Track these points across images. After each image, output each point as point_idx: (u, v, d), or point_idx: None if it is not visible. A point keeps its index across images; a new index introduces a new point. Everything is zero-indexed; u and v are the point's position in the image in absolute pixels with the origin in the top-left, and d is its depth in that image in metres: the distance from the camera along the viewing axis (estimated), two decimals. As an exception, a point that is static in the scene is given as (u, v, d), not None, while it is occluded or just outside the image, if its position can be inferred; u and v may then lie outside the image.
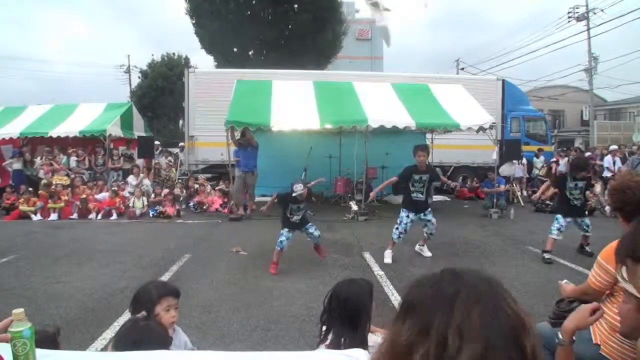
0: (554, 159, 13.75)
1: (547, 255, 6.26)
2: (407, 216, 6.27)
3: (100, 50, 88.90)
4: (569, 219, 6.33)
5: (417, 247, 6.60)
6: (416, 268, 5.86)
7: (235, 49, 21.82)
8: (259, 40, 20.65)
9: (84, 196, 10.44)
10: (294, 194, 5.61)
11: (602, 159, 13.64)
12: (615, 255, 1.48)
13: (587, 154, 14.72)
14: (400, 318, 0.75)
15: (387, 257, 6.21)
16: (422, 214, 6.28)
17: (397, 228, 6.31)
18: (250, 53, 22.41)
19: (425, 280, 0.78)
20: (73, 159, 12.60)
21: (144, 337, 1.64)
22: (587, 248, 6.49)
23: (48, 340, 1.82)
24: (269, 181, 11.94)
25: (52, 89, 54.41)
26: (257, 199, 11.71)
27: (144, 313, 1.90)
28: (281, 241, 5.77)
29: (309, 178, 10.39)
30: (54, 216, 9.98)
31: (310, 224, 5.99)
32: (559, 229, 6.33)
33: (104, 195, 10.63)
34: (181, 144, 16.11)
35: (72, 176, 11.82)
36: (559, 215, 6.42)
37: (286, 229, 5.80)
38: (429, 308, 0.71)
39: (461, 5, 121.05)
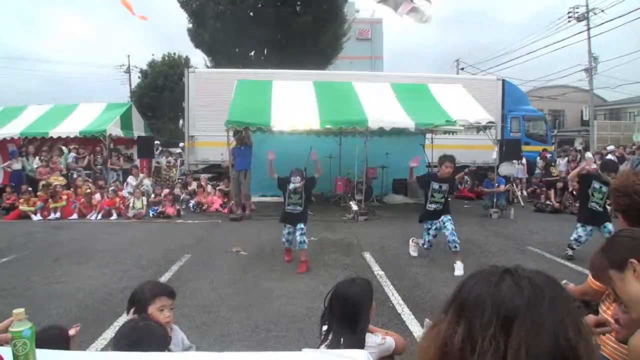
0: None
1: (569, 252, 6.20)
2: (428, 230, 6.08)
3: (101, 49, 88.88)
4: (589, 228, 5.93)
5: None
6: (416, 268, 5.86)
7: (237, 50, 21.81)
8: (261, 41, 20.64)
9: (88, 190, 10.45)
10: (290, 185, 5.87)
11: (601, 159, 13.63)
12: (596, 275, 1.48)
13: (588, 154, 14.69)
14: (456, 314, 0.71)
15: (412, 250, 6.39)
16: (440, 219, 5.94)
17: (422, 243, 6.24)
18: (251, 53, 22.42)
19: (482, 277, 0.73)
20: (72, 154, 12.59)
21: (144, 337, 1.64)
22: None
23: (61, 339, 1.83)
24: (269, 181, 11.94)
25: (53, 89, 54.30)
26: (257, 199, 11.72)
27: (136, 315, 1.90)
28: (283, 242, 6.06)
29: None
30: (55, 216, 9.96)
31: (301, 226, 5.85)
32: (577, 240, 6.02)
33: (97, 197, 10.60)
34: (181, 144, 16.16)
35: (74, 175, 11.81)
36: (578, 224, 6.06)
37: (285, 225, 6.04)
38: (484, 321, 0.67)
39: (461, 5, 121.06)
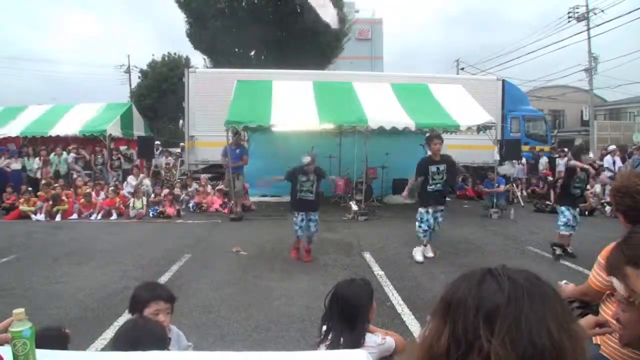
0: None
1: (557, 251, 6.18)
2: (427, 212, 6.04)
3: (102, 49, 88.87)
4: (572, 211, 6.25)
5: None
6: (416, 268, 5.86)
7: (236, 49, 21.80)
8: (261, 41, 20.63)
9: (88, 190, 10.45)
10: (302, 161, 5.87)
11: (602, 159, 13.63)
12: (609, 268, 1.47)
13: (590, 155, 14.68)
14: (441, 316, 0.72)
15: (418, 255, 6.04)
16: (437, 206, 6.06)
17: (419, 226, 6.08)
18: (251, 53, 22.42)
19: (465, 278, 0.75)
20: (72, 155, 12.60)
21: (143, 336, 1.64)
22: (568, 249, 6.40)
23: (59, 340, 1.82)
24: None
25: (53, 89, 54.44)
26: (257, 199, 11.72)
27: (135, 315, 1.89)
28: (295, 230, 5.89)
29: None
30: (57, 217, 9.95)
31: (316, 217, 6.04)
32: (565, 224, 6.22)
33: (103, 196, 10.62)
34: (181, 144, 16.16)
35: (74, 176, 11.83)
36: (562, 208, 6.34)
37: (296, 213, 5.90)
38: (467, 320, 0.68)
39: (462, 5, 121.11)
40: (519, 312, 0.66)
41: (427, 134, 6.44)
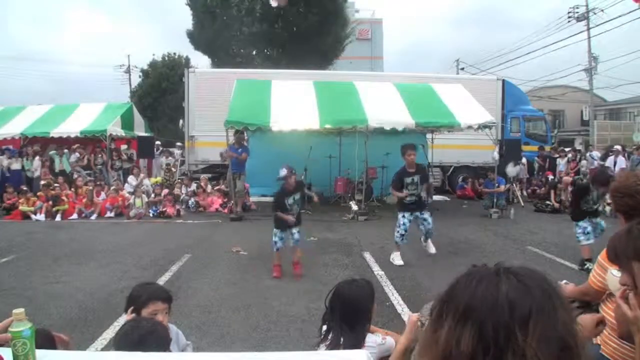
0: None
1: (588, 265, 5.44)
2: (403, 216, 6.16)
3: (103, 49, 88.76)
4: (587, 223, 5.75)
5: (423, 244, 6.45)
6: (416, 268, 5.86)
7: (241, 50, 21.80)
8: (264, 41, 20.62)
9: (90, 188, 10.45)
10: (278, 177, 5.47)
11: (603, 159, 13.62)
12: (613, 255, 1.45)
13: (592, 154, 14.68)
14: (454, 319, 0.70)
15: (397, 259, 6.07)
16: (418, 213, 6.16)
17: (397, 231, 6.19)
18: (253, 52, 22.42)
19: (479, 278, 0.72)
20: (74, 155, 12.60)
21: (145, 336, 1.64)
22: None
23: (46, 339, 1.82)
24: (268, 181, 11.91)
25: (53, 89, 54.39)
26: (257, 199, 11.70)
27: (133, 315, 1.89)
28: (275, 242, 5.60)
29: (309, 178, 10.38)
30: (57, 217, 9.96)
31: (298, 228, 5.61)
32: (584, 233, 5.73)
33: (103, 196, 10.64)
34: (178, 144, 16.21)
35: (74, 176, 11.82)
36: (577, 222, 5.80)
37: (279, 230, 5.60)
38: (498, 323, 0.66)
39: (464, 5, 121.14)
40: (550, 311, 0.68)
41: (401, 148, 6.42)
